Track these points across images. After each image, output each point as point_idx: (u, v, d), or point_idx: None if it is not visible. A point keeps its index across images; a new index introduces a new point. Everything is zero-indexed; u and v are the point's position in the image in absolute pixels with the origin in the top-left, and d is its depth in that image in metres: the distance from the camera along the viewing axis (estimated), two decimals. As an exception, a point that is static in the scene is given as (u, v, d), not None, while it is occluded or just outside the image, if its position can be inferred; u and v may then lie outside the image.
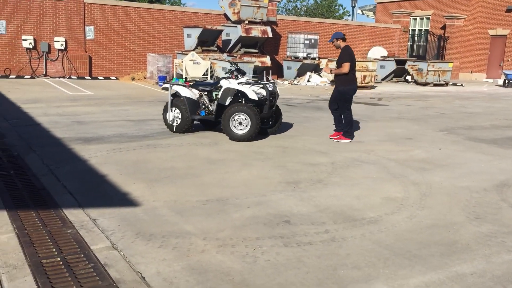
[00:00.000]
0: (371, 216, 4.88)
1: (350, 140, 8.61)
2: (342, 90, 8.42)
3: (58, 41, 18.59)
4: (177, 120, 8.75)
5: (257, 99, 8.23)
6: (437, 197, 5.58)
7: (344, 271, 3.66)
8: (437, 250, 4.10)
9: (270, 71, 11.44)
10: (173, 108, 8.76)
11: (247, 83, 8.44)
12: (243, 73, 8.76)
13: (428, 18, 30.93)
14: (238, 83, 8.39)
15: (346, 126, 8.63)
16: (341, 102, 8.56)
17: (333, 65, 8.47)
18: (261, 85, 8.44)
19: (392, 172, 6.61)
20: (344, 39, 8.47)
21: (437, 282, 3.56)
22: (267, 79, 9.16)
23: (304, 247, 4.06)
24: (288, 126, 10.02)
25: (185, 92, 8.67)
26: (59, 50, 18.80)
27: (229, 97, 8.44)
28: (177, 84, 8.81)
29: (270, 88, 8.50)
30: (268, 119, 8.85)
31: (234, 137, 8.25)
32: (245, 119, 8.15)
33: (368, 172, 6.60)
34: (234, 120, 8.21)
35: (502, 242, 4.34)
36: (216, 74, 17.94)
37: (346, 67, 8.22)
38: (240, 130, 8.20)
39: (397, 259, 3.91)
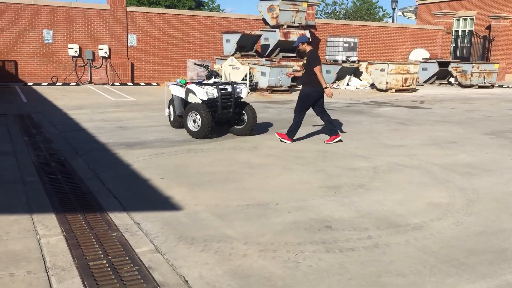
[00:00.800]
0: (415, 222, 4.76)
1: (291, 142, 8.50)
2: (306, 91, 8.34)
3: (102, 49, 19.15)
4: (171, 117, 9.76)
5: (205, 98, 8.60)
6: (485, 203, 5.39)
7: (388, 279, 3.58)
8: (485, 258, 3.96)
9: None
10: (170, 106, 9.77)
11: (204, 83, 8.90)
12: (215, 75, 9.39)
13: (472, 19, 30.05)
14: (197, 83, 8.96)
15: (292, 126, 8.47)
16: (298, 102, 8.45)
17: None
18: (214, 86, 8.74)
19: (436, 177, 6.44)
20: (309, 43, 8.49)
21: (486, 291, 3.43)
22: (231, 81, 9.48)
23: (347, 253, 4.00)
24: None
25: (174, 91, 9.47)
26: (103, 57, 19.36)
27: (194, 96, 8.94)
28: (174, 84, 9.58)
29: (228, 90, 8.78)
30: (229, 120, 9.07)
31: (190, 134, 8.74)
32: (198, 117, 8.54)
33: (411, 176, 6.45)
34: (190, 117, 8.71)
35: (556, 251, 4.14)
36: (254, 79, 18.02)
37: (318, 70, 8.16)
38: (194, 128, 8.66)
39: (444, 266, 3.79)
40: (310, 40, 8.16)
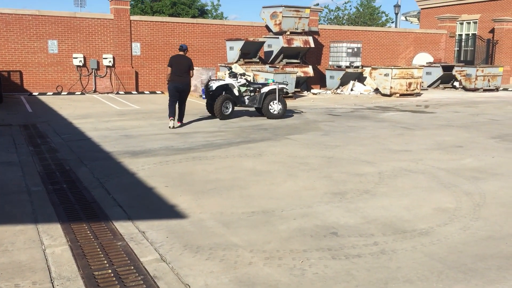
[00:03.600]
0: (422, 227, 4.72)
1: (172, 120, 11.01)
2: (167, 85, 11.21)
3: (106, 58, 19.25)
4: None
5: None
6: (492, 208, 5.35)
7: (396, 285, 3.55)
8: (494, 263, 3.92)
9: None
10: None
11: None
12: (234, 75, 12.66)
13: (475, 22, 30.01)
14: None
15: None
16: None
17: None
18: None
19: (442, 182, 6.40)
20: (180, 49, 11.28)
21: (495, 297, 3.39)
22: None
23: (353, 260, 3.97)
24: (332, 135, 9.91)
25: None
26: (107, 66, 19.45)
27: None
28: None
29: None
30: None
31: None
32: None
33: (417, 182, 6.42)
34: None
35: None
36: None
37: (167, 70, 11.10)
38: None
39: (452, 272, 3.75)
40: (183, 47, 11.37)
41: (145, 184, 6.18)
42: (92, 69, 19.24)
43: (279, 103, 12.33)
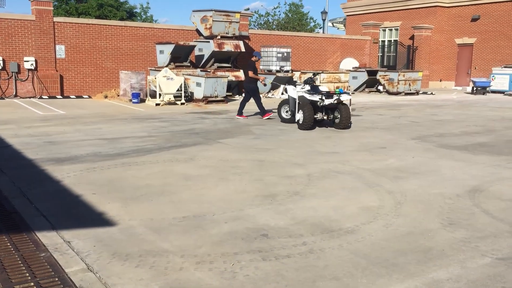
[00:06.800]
0: (348, 226, 4.91)
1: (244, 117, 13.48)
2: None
3: (28, 61, 18.33)
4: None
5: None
6: (412, 205, 5.66)
7: (323, 283, 3.67)
8: (413, 258, 4.16)
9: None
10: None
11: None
12: (307, 82, 12.48)
13: (397, 29, 31.65)
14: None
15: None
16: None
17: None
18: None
19: (367, 182, 6.68)
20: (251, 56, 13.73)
21: (414, 289, 3.60)
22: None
23: (283, 261, 4.06)
24: (264, 139, 10.06)
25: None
26: (29, 70, 18.52)
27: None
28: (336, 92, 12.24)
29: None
30: None
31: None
32: None
33: (344, 182, 6.66)
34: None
35: (475, 247, 4.42)
36: (190, 90, 17.91)
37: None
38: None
39: (375, 268, 3.94)
40: (253, 54, 13.56)
41: (71, 192, 5.96)
42: (12, 72, 18.25)
43: (301, 112, 11.63)
